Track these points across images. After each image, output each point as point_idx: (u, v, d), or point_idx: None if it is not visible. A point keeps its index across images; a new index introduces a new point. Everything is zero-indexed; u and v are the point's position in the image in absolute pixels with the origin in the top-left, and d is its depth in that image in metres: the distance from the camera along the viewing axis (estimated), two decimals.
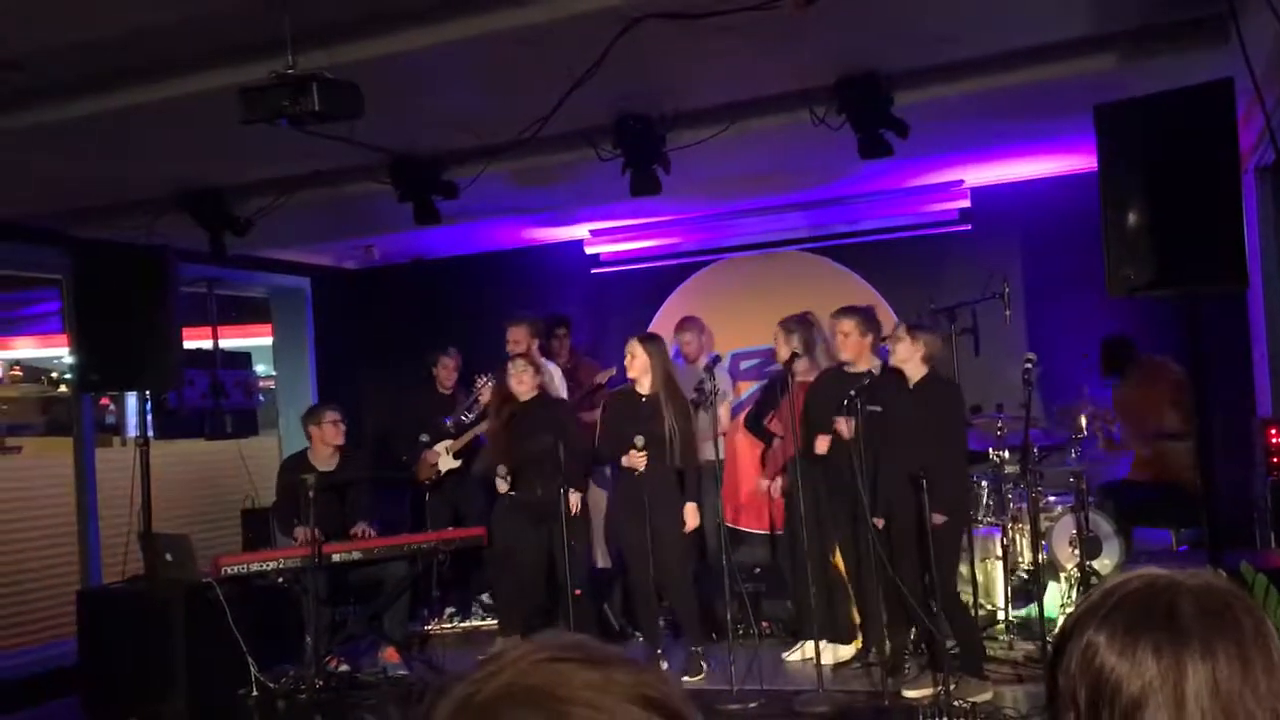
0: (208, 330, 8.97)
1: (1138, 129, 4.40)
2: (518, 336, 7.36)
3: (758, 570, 7.08)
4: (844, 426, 5.77)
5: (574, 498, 6.41)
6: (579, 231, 8.85)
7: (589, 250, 8.95)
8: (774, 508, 6.93)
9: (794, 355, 6.21)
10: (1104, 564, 6.28)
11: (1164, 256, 4.31)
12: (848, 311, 6.16)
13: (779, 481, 6.55)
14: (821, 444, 6.03)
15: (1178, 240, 4.27)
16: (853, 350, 6.01)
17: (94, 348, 6.68)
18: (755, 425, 6.88)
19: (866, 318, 6.16)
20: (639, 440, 6.14)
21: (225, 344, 9.24)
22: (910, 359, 5.71)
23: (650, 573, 6.19)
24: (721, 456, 6.41)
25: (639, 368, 6.31)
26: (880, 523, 5.69)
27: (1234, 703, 1.15)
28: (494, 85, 5.16)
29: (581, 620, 6.40)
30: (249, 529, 8.01)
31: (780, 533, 6.92)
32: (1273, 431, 6.00)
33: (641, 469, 6.16)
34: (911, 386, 5.74)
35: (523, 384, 6.72)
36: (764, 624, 6.89)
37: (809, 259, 8.46)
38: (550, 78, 4.73)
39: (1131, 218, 4.37)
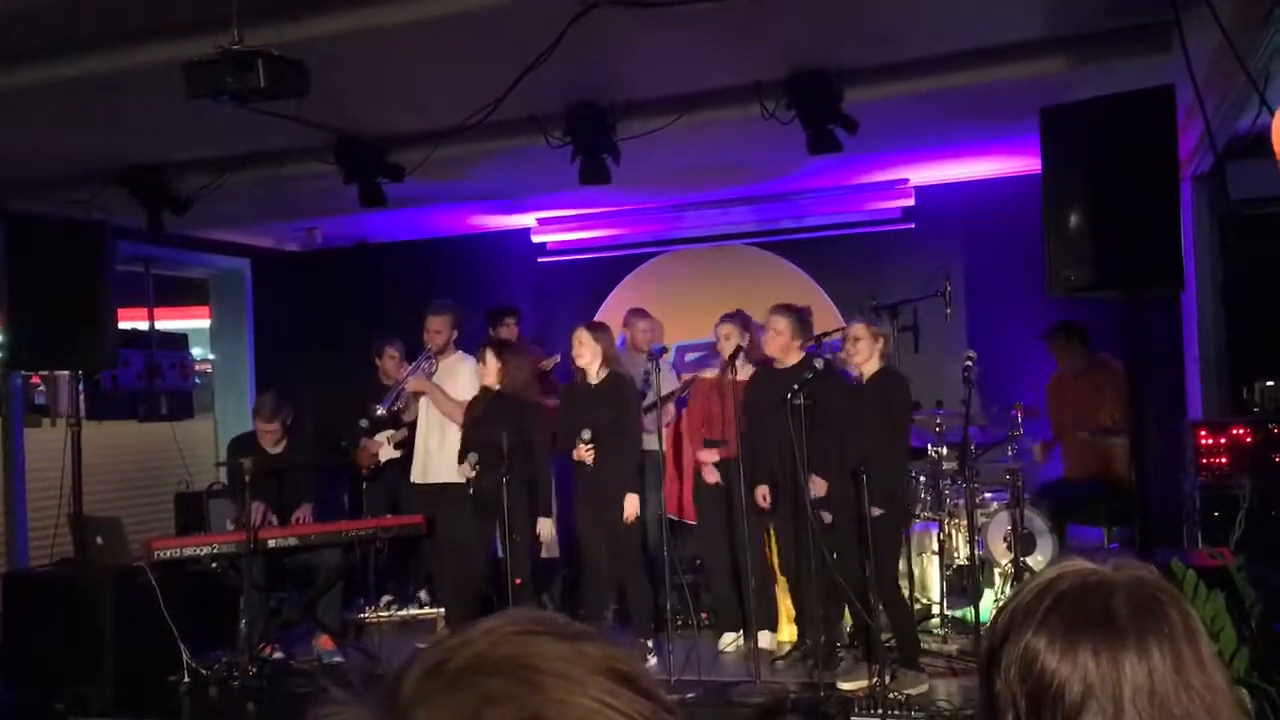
0: (144, 310, 8.81)
1: (1081, 132, 4.47)
2: (439, 326, 7.24)
3: (698, 561, 7.10)
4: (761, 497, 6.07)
5: (544, 527, 6.49)
6: (526, 220, 8.81)
7: (536, 239, 8.91)
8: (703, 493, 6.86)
9: (739, 349, 6.23)
10: (1037, 560, 6.38)
11: (1103, 258, 4.38)
12: (784, 310, 6.17)
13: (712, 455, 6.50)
14: (761, 493, 6.10)
15: (1117, 243, 4.34)
16: (779, 348, 6.06)
17: (26, 324, 6.50)
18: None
19: (802, 320, 6.19)
20: (585, 434, 6.13)
21: (162, 325, 9.08)
22: (871, 356, 5.76)
23: (604, 563, 6.19)
24: (664, 448, 6.42)
25: (587, 356, 6.29)
26: (828, 517, 5.74)
27: (1169, 700, 1.17)
28: (445, 68, 5.11)
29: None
30: (183, 513, 7.87)
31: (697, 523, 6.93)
32: (1202, 433, 6.14)
33: (589, 462, 6.16)
34: (865, 381, 5.79)
35: (489, 375, 6.61)
36: (703, 614, 6.92)
37: (755, 254, 8.50)
38: (502, 62, 4.70)
39: (1073, 219, 4.44)
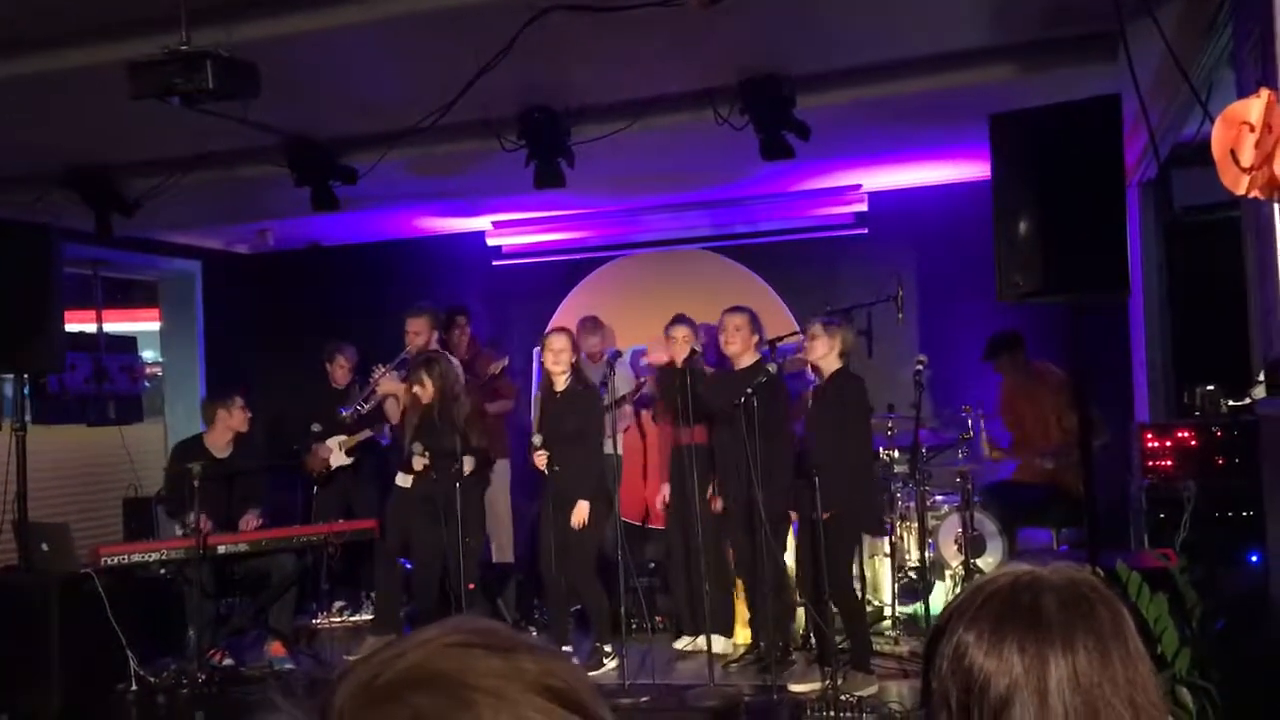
0: (92, 313, 8.68)
1: (1030, 140, 4.52)
2: (418, 328, 7.22)
3: (653, 565, 7.11)
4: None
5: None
6: (481, 223, 8.78)
7: (491, 242, 8.89)
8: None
9: (694, 352, 6.28)
10: (987, 562, 6.45)
11: (1051, 264, 4.43)
12: (741, 309, 6.29)
13: (666, 490, 6.71)
14: (716, 505, 6.11)
15: (1065, 249, 4.39)
16: (743, 344, 6.11)
17: None
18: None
19: (754, 319, 6.30)
20: (536, 440, 6.14)
21: (110, 327, 8.94)
22: (828, 354, 5.80)
23: (562, 567, 6.18)
24: (620, 452, 6.43)
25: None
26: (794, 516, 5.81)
27: (1094, 694, 1.19)
28: (398, 70, 5.08)
29: (475, 614, 6.35)
30: (131, 518, 7.76)
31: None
32: (1149, 436, 6.23)
33: (541, 467, 6.16)
34: (825, 380, 5.84)
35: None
36: (658, 618, 6.93)
37: (710, 258, 8.53)
38: (455, 65, 4.68)
39: (1022, 226, 4.49)
